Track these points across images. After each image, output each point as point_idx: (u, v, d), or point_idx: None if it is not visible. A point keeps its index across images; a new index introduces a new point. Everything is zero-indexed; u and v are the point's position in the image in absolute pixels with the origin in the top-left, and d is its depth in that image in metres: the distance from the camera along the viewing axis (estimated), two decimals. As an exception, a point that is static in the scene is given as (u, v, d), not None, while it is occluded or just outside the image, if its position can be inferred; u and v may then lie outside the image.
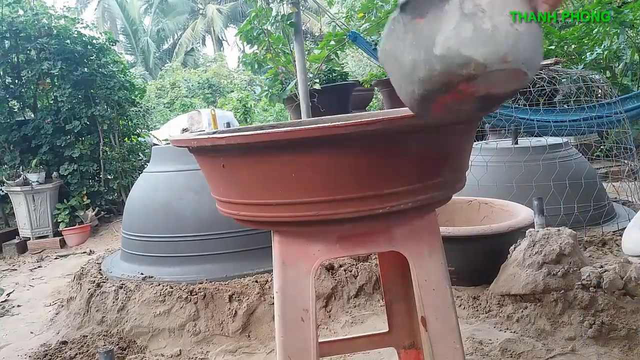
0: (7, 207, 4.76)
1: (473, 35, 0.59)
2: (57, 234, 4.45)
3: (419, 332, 1.04)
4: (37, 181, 4.40)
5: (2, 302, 2.97)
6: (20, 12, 4.56)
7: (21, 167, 4.51)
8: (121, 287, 2.26)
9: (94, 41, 4.89)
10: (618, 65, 5.44)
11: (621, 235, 2.46)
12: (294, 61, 4.11)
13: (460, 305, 2.15)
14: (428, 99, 0.64)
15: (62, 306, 2.63)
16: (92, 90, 4.81)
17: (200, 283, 2.19)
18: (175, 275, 2.28)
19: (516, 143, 3.06)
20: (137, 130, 5.57)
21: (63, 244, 4.40)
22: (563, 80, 3.51)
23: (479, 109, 0.67)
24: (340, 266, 2.32)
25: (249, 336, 2.08)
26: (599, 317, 1.80)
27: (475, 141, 2.84)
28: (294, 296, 0.97)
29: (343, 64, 7.56)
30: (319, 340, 1.06)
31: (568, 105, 3.83)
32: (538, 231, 2.05)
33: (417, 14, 0.62)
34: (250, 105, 10.40)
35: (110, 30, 16.30)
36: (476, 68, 0.59)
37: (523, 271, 2.00)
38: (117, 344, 2.07)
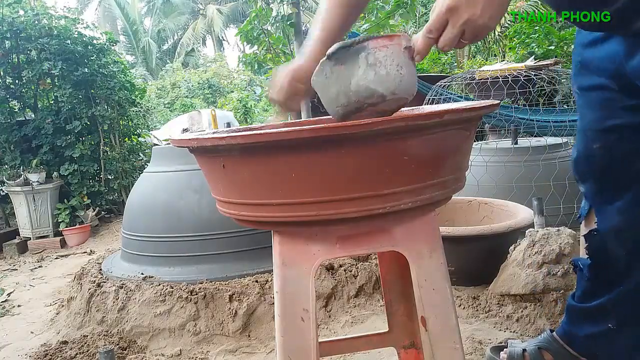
0: (7, 207, 4.76)
1: (374, 78, 0.87)
2: (57, 234, 4.45)
3: (419, 332, 1.04)
4: (38, 181, 4.40)
5: (2, 302, 2.97)
6: (21, 12, 4.56)
7: (22, 167, 4.51)
8: (121, 287, 2.26)
9: (95, 41, 4.88)
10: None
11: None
12: (294, 61, 4.10)
13: (460, 305, 2.15)
14: (346, 116, 0.94)
15: (63, 306, 2.63)
16: (92, 91, 4.81)
17: (201, 283, 2.19)
18: (175, 275, 2.28)
19: (516, 143, 3.06)
20: (138, 131, 5.57)
21: (63, 243, 4.40)
22: (563, 80, 3.51)
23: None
24: (340, 266, 2.32)
25: (249, 336, 2.08)
26: (598, 317, 1.80)
27: (475, 141, 2.84)
28: (294, 296, 0.97)
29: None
30: (319, 340, 1.06)
31: (568, 106, 3.83)
32: (538, 231, 2.05)
33: (339, 62, 0.90)
34: (251, 106, 10.41)
35: (111, 30, 16.30)
36: (377, 98, 0.89)
37: (523, 271, 2.00)
38: (118, 344, 2.07)
